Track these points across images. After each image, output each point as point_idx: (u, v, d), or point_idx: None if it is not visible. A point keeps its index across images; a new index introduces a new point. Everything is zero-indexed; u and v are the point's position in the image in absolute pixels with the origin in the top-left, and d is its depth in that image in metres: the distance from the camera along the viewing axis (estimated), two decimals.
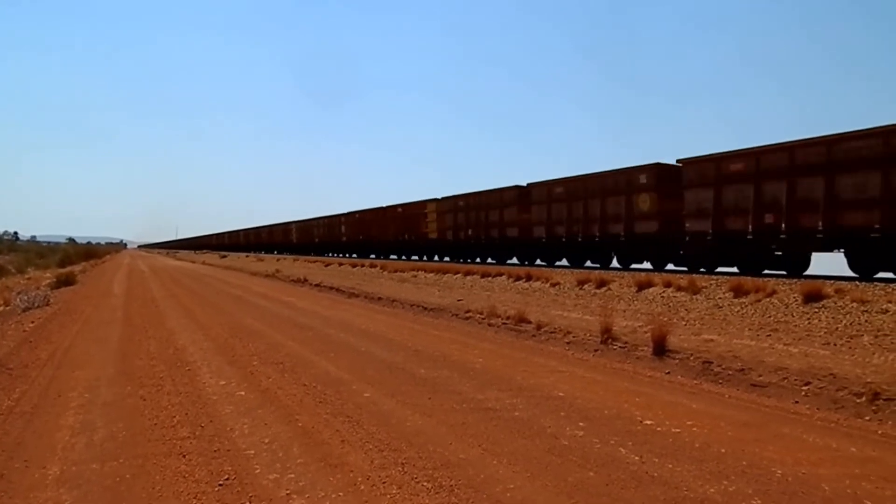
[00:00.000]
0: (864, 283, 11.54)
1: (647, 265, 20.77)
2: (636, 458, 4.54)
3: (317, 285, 23.00)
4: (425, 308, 14.52)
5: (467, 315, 12.89)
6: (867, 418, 5.69)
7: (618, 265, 21.69)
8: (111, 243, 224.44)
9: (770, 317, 9.77)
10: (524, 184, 26.64)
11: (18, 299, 15.72)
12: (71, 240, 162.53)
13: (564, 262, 24.38)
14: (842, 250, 14.86)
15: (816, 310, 9.58)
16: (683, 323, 10.13)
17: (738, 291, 11.26)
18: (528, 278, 16.98)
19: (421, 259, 33.67)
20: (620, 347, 8.95)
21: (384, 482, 4.09)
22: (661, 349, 8.34)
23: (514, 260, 27.11)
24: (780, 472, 4.27)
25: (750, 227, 16.07)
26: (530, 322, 11.07)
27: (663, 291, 12.67)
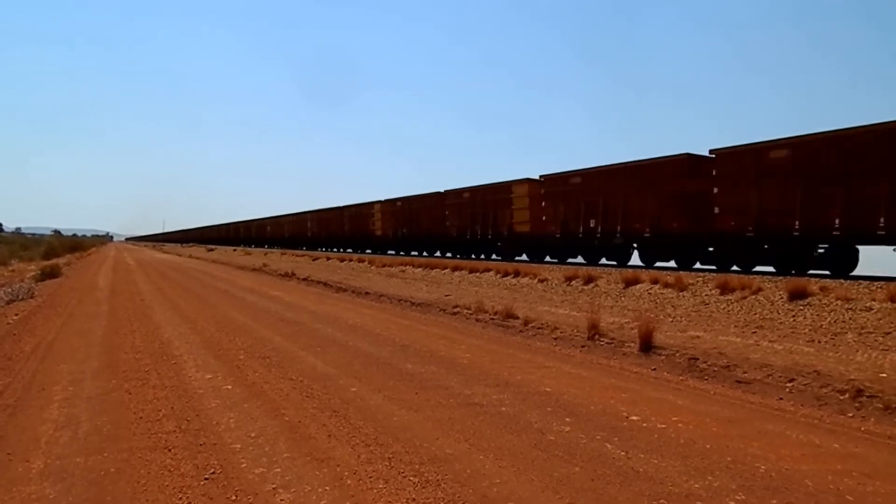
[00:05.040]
0: (848, 281, 11.66)
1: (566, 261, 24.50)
2: (622, 453, 4.57)
3: (304, 279, 22.94)
4: (413, 303, 14.52)
5: (455, 310, 12.90)
6: (850, 415, 5.76)
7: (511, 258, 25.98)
8: (97, 236, 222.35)
9: (756, 314, 9.85)
10: (442, 190, 31.29)
11: (2, 291, 15.57)
12: (56, 232, 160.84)
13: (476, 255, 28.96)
14: (635, 245, 20.50)
15: (801, 307, 9.67)
16: (670, 319, 10.19)
17: (725, 289, 11.35)
18: (516, 274, 17.04)
19: (373, 253, 36.45)
20: (607, 343, 8.99)
21: (371, 477, 4.09)
22: (647, 345, 8.39)
23: (438, 253, 32.22)
24: (763, 467, 4.31)
25: (581, 228, 21.47)
26: (518, 318, 11.11)
27: (650, 288, 12.74)
